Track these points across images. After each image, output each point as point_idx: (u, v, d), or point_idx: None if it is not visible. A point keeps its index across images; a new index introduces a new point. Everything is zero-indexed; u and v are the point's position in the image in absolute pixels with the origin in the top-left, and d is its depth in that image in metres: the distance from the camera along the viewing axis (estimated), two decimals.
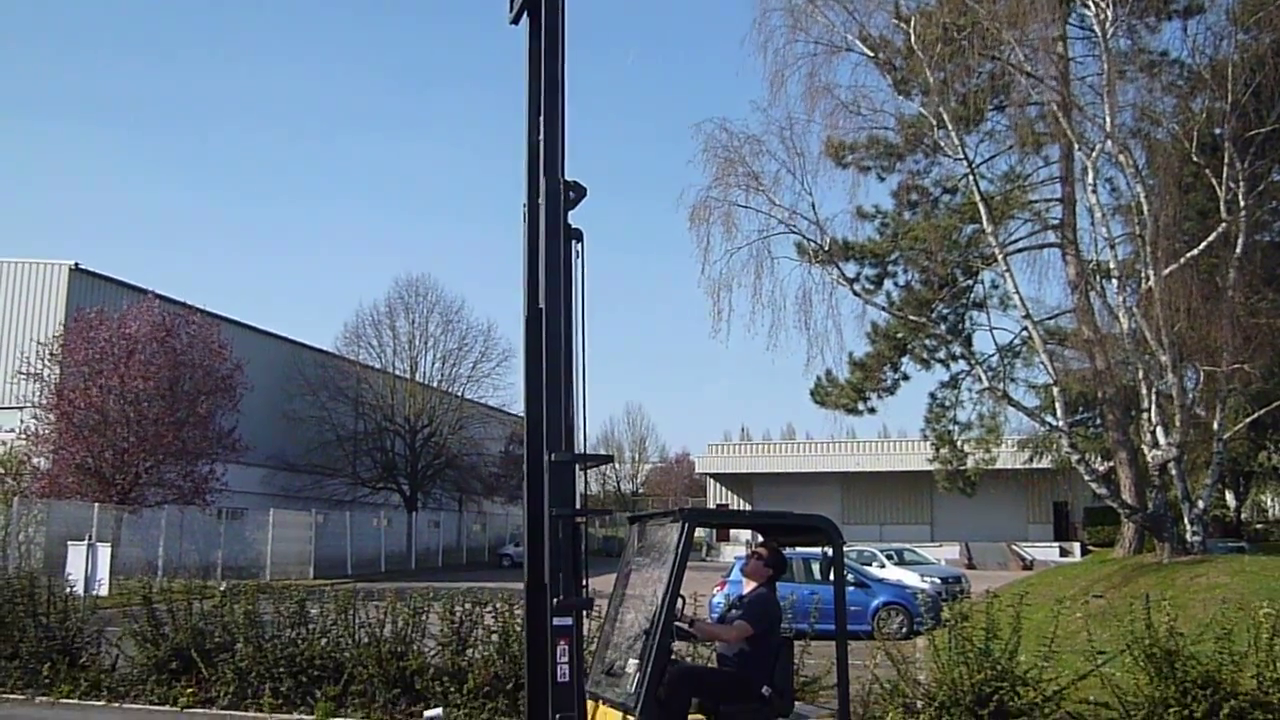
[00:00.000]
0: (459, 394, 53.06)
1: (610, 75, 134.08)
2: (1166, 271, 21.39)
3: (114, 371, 31.46)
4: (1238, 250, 22.24)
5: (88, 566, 18.65)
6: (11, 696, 12.68)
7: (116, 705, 12.17)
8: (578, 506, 6.50)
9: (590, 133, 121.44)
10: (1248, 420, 27.01)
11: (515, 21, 7.15)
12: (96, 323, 32.61)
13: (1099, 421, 32.21)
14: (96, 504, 29.75)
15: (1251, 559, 22.36)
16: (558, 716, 6.21)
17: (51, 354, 32.94)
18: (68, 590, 14.63)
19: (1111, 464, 28.00)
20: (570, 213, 6.78)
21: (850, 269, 27.87)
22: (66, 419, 31.42)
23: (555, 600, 6.29)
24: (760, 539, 7.86)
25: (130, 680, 12.59)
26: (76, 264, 38.21)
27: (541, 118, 6.84)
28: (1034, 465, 41.76)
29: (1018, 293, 24.02)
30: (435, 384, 52.43)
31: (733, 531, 57.61)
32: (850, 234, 28.74)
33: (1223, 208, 22.02)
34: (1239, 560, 21.52)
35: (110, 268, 45.01)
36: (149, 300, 34.54)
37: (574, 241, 6.76)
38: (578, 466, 6.56)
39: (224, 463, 34.86)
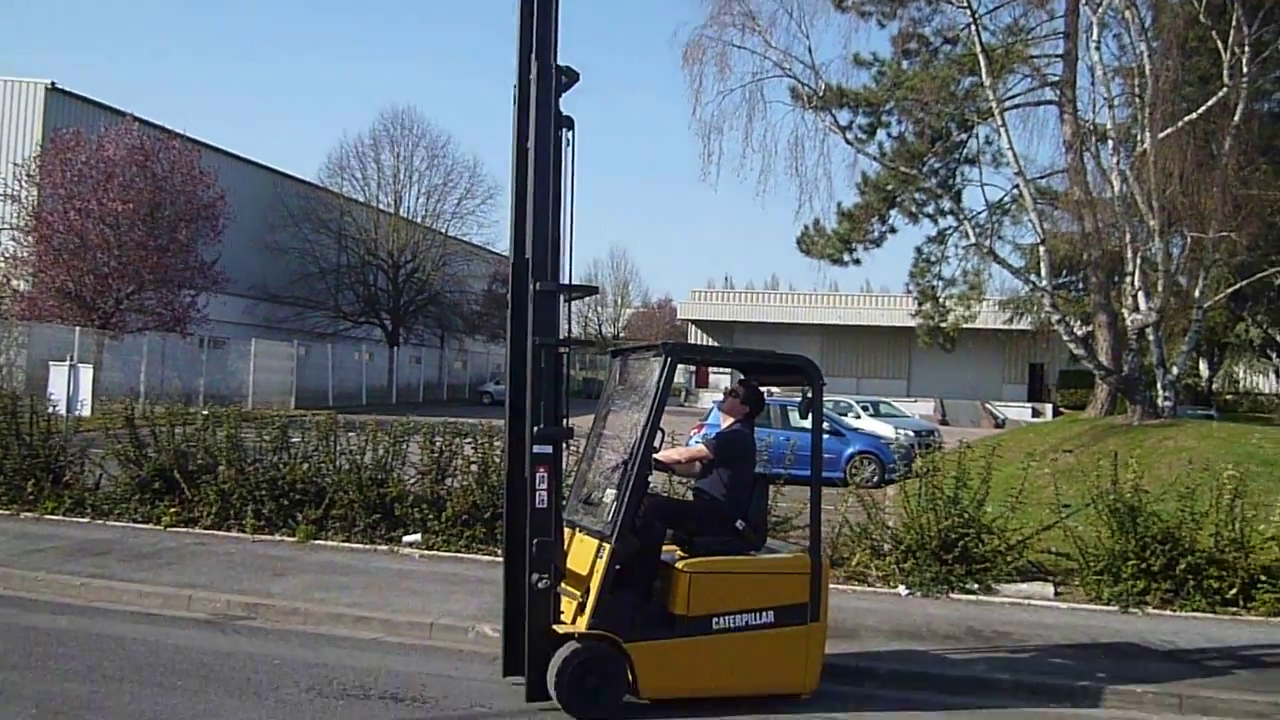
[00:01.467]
0: (443, 230, 52.64)
1: None
2: (1162, 135, 21.15)
3: (92, 195, 30.91)
4: (1236, 118, 21.95)
5: (69, 387, 18.61)
6: None
7: (100, 522, 12.35)
8: (561, 337, 6.53)
9: None
10: (1229, 291, 27.16)
11: None
12: (74, 144, 31.89)
13: (1081, 285, 32.33)
14: (78, 328, 29.66)
15: (1219, 425, 22.81)
16: (535, 541, 6.36)
17: (28, 175, 32.32)
18: (50, 410, 14.67)
19: (1091, 327, 28.22)
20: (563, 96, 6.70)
21: (844, 117, 27.51)
22: (45, 242, 31.03)
23: (536, 429, 6.37)
24: (740, 379, 7.92)
25: (114, 499, 12.77)
26: (53, 83, 37.14)
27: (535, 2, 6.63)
28: (1013, 326, 42.09)
29: (1011, 149, 23.79)
30: (419, 219, 51.92)
31: (712, 378, 58.24)
32: (845, 81, 28.24)
33: (1225, 73, 21.64)
34: (1207, 425, 21.94)
35: (88, 89, 43.80)
36: (127, 123, 33.72)
37: (565, 129, 6.67)
38: (562, 297, 6.56)
39: (206, 292, 34.68)
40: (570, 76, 6.68)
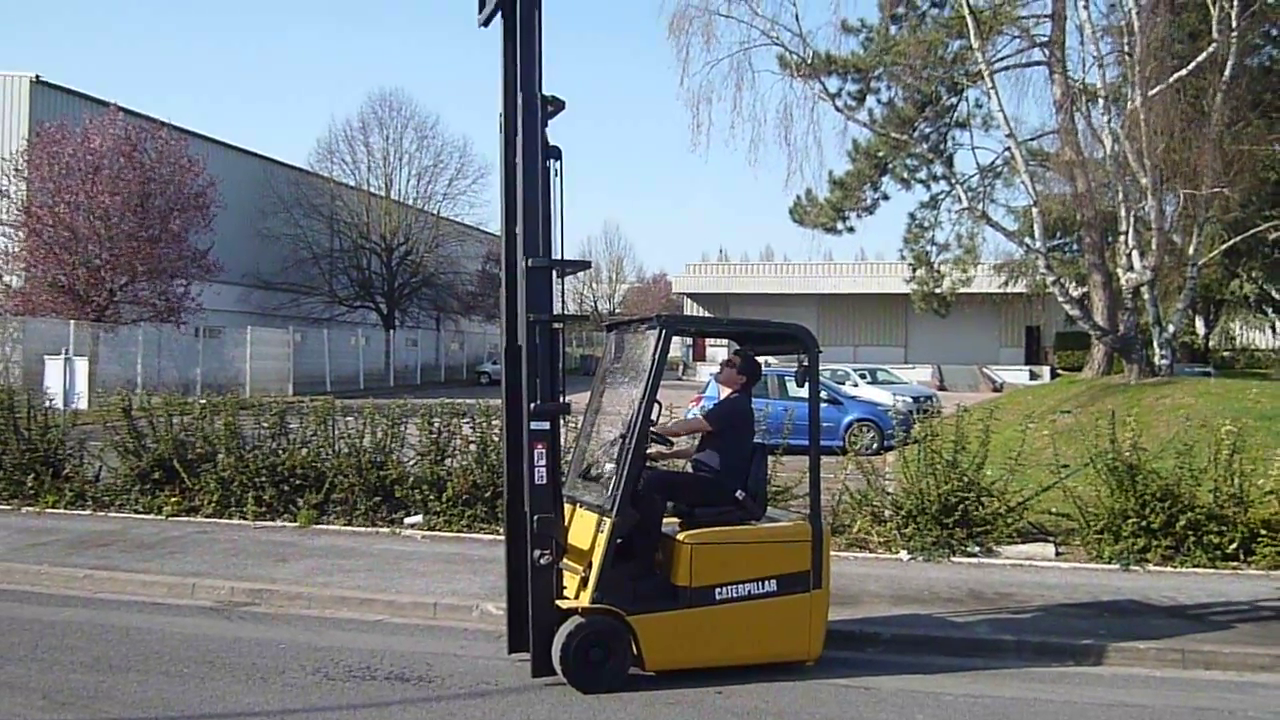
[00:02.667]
0: (435, 211, 52.56)
1: None
2: (1153, 92, 21.07)
3: (80, 187, 30.79)
4: (1226, 73, 21.86)
5: (65, 381, 18.68)
6: None
7: (102, 514, 12.38)
8: (554, 313, 6.52)
9: None
10: (1223, 247, 27.15)
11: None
12: (59, 137, 31.72)
13: (1075, 246, 32.33)
14: (72, 321, 29.58)
15: (1216, 381, 22.79)
16: (535, 518, 6.37)
17: (16, 169, 32.17)
18: (47, 404, 14.66)
19: (1086, 288, 28.21)
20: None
21: (833, 84, 27.42)
22: (36, 236, 30.90)
23: (532, 405, 6.36)
24: (736, 349, 7.91)
25: (114, 490, 12.81)
26: (37, 76, 36.90)
27: (518, 33, 6.58)
28: (1008, 289, 42.06)
29: (1002, 111, 23.68)
30: (411, 201, 51.84)
31: (709, 351, 58.21)
32: (834, 48, 28.16)
33: (1214, 28, 21.52)
34: (1204, 382, 21.93)
35: (69, 79, 43.48)
36: (111, 113, 33.50)
37: (553, 159, 6.64)
38: (555, 272, 6.54)
39: (199, 281, 34.60)
40: (556, 105, 6.63)
